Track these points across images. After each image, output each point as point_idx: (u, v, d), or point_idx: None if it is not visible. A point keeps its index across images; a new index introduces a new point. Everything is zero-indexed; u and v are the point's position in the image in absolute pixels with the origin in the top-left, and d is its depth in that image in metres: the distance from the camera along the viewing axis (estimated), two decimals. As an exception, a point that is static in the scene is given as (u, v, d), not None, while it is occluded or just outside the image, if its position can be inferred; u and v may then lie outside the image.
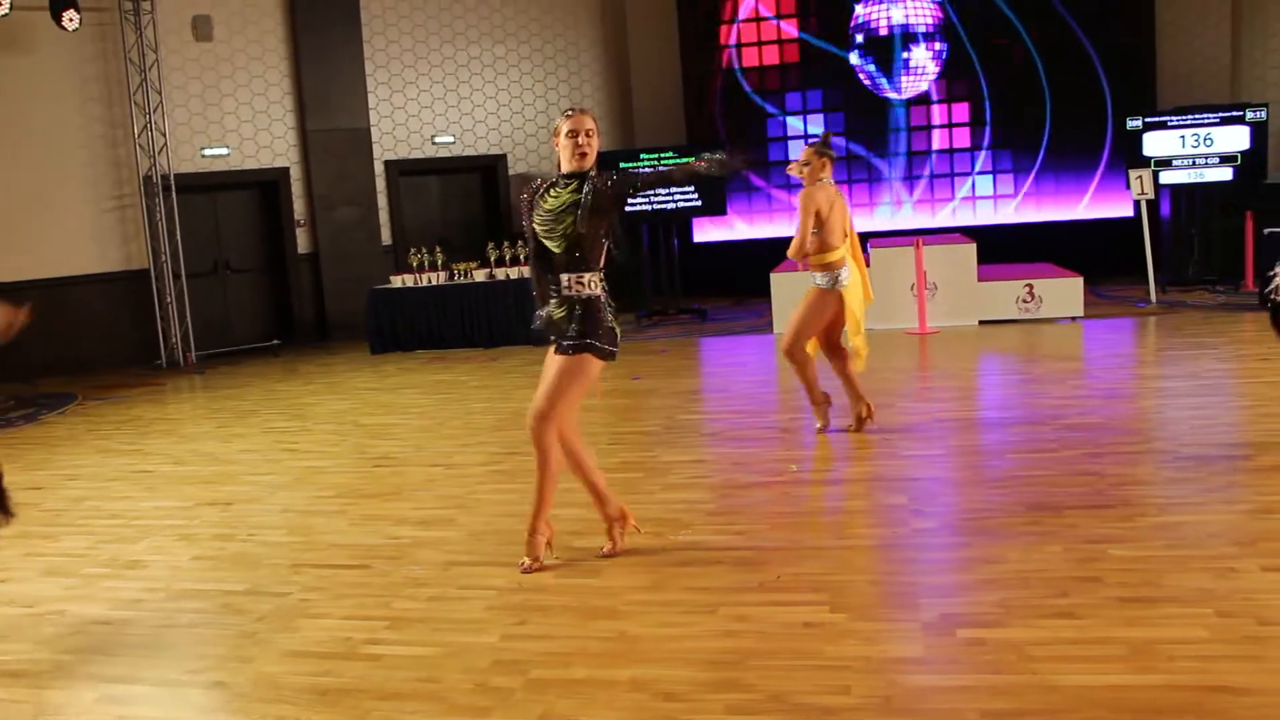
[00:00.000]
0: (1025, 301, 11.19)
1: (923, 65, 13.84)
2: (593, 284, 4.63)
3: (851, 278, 6.73)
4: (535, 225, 4.70)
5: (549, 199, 4.67)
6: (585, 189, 4.54)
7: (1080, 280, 11.19)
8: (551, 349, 4.72)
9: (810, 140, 6.62)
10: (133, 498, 6.73)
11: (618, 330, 4.74)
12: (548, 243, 4.66)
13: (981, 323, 11.23)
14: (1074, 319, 11.02)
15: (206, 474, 7.20)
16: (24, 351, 12.63)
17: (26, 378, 12.49)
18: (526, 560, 4.75)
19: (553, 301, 4.68)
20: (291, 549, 5.37)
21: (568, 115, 4.66)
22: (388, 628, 4.23)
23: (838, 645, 3.75)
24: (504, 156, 15.95)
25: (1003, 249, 13.07)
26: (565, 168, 4.66)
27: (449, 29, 15.51)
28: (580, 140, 4.60)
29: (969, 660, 3.58)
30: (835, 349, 6.94)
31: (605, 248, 4.67)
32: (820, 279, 6.71)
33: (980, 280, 11.36)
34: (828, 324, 6.81)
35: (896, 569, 4.52)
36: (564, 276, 4.61)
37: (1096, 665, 3.46)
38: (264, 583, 4.90)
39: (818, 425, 6.98)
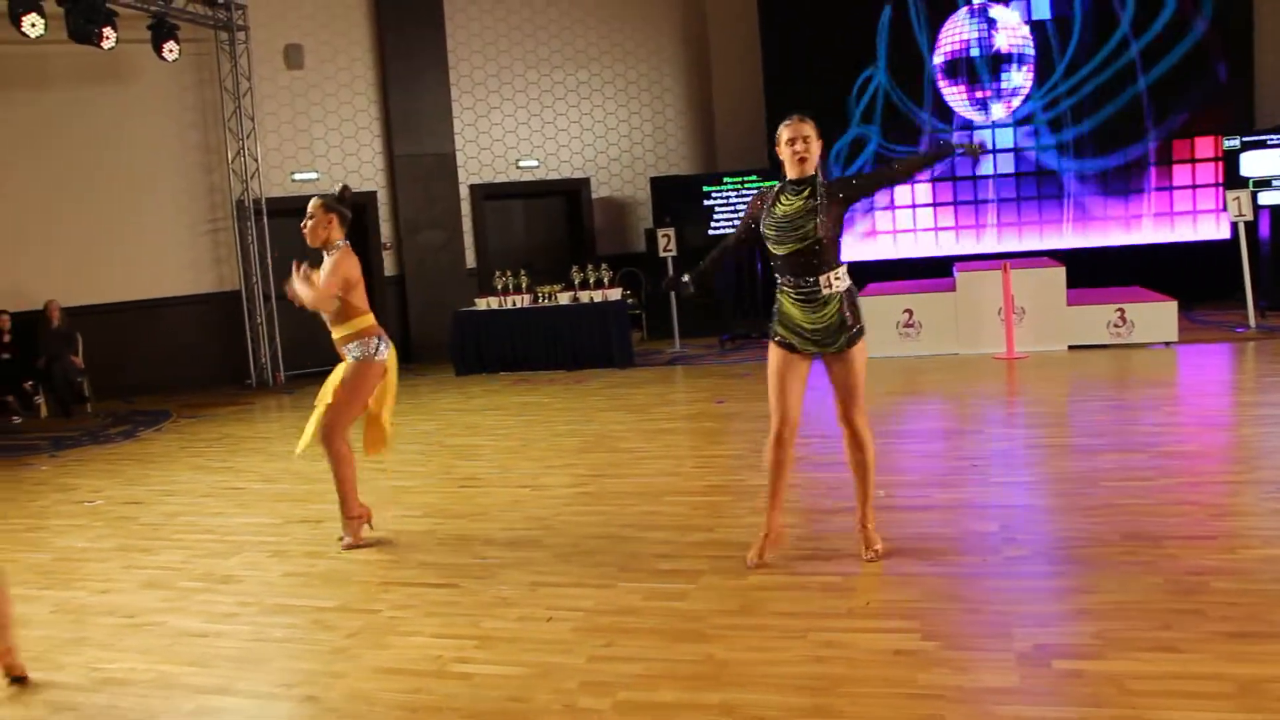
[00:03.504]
0: (1116, 326, 10.96)
1: (1015, 87, 13.72)
2: (846, 276, 4.84)
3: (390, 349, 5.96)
4: (765, 229, 4.83)
5: (780, 205, 4.79)
6: (828, 195, 4.70)
7: (1174, 304, 10.93)
8: (800, 359, 4.90)
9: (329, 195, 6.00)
10: (226, 513, 6.87)
11: None
12: (778, 248, 4.78)
13: (1071, 348, 11.02)
14: (1168, 344, 10.76)
15: (297, 491, 7.33)
16: (122, 370, 13.07)
17: (124, 395, 12.86)
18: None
19: (807, 308, 4.80)
20: (381, 567, 5.44)
21: (786, 124, 4.80)
22: (477, 647, 4.26)
23: (929, 674, 3.68)
24: (588, 180, 16.08)
25: (1094, 272, 12.84)
26: (790, 174, 4.81)
27: (533, 55, 15.71)
28: (799, 147, 4.74)
29: (1067, 693, 3.49)
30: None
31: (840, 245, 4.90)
32: (354, 350, 5.81)
33: (1070, 304, 11.15)
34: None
35: (988, 597, 4.43)
36: (823, 278, 4.75)
37: (1202, 702, 3.34)
38: (354, 599, 4.96)
39: (348, 539, 5.85)
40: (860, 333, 4.90)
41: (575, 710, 3.63)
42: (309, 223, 5.80)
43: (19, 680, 4.21)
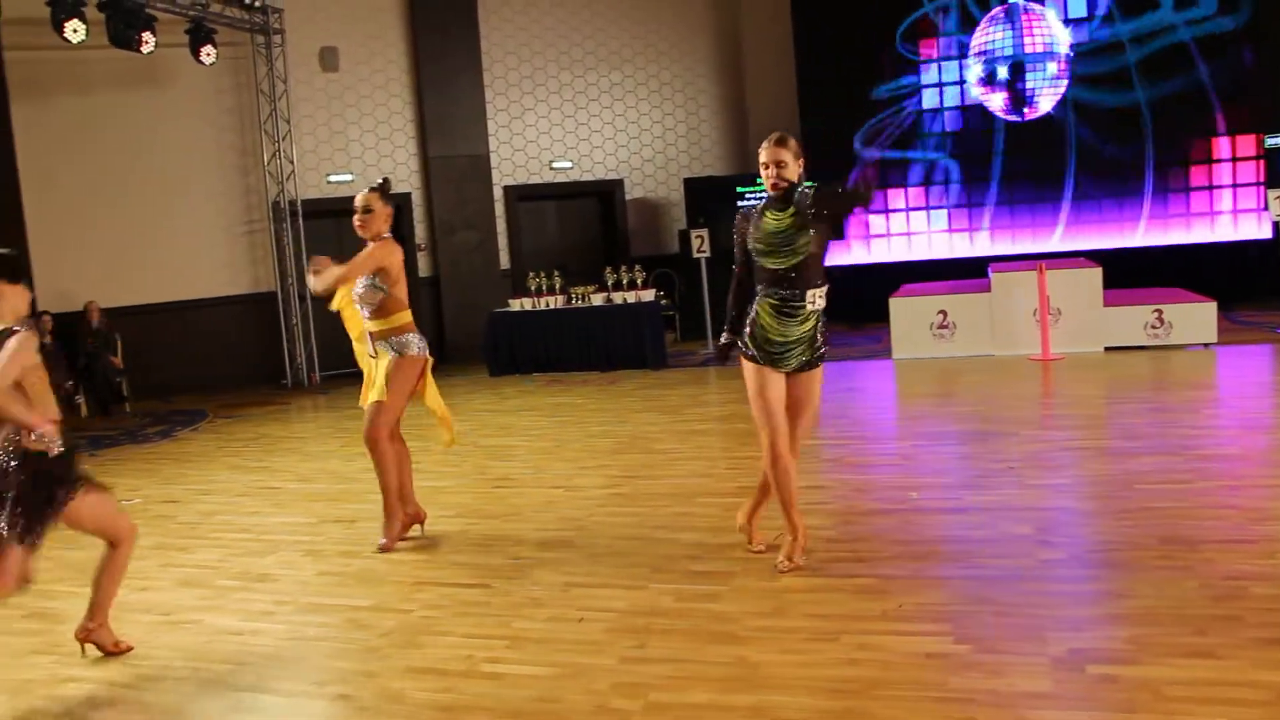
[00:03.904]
0: (1154, 327, 10.85)
1: (1045, 88, 13.65)
2: (824, 298, 4.87)
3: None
4: (753, 244, 4.84)
5: (768, 221, 4.81)
6: (805, 207, 4.69)
7: (1213, 305, 10.81)
8: (776, 370, 4.85)
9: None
10: (261, 513, 6.93)
11: None
12: (769, 261, 4.79)
13: (1108, 349, 10.91)
14: (1206, 345, 10.64)
15: (331, 491, 7.38)
16: (160, 370, 13.22)
17: (162, 395, 13.00)
18: None
19: (787, 321, 4.80)
20: (414, 566, 5.47)
21: (765, 146, 4.82)
22: (508, 647, 4.27)
23: (962, 677, 3.66)
24: (621, 181, 16.10)
25: (1132, 273, 12.72)
26: (770, 193, 4.84)
27: (566, 56, 15.74)
28: (771, 172, 4.78)
29: (1101, 698, 3.46)
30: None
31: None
32: (392, 344, 5.76)
33: (1106, 305, 11.04)
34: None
35: (1022, 601, 4.40)
36: (810, 293, 4.77)
37: (1238, 709, 3.31)
38: (387, 599, 4.99)
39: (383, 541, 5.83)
40: (824, 357, 4.97)
41: (606, 711, 3.63)
42: (366, 216, 5.74)
43: (112, 654, 4.48)
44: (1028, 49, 13.80)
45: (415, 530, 5.97)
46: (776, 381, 4.86)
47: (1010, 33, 13.92)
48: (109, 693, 4.12)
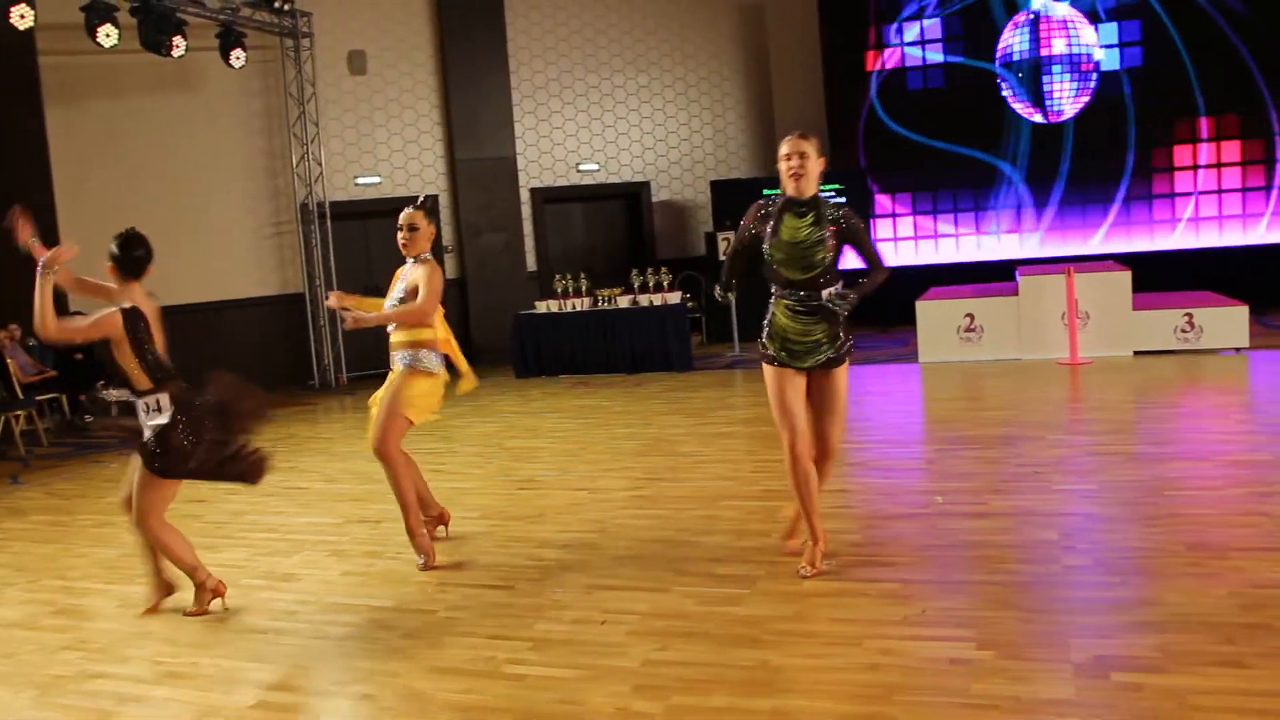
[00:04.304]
0: (1184, 331, 10.76)
1: (1070, 90, 13.59)
2: (842, 293, 4.81)
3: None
4: (769, 249, 4.76)
5: (786, 228, 4.74)
6: (831, 221, 4.66)
7: (1245, 309, 10.70)
8: (795, 373, 4.81)
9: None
10: (287, 513, 6.98)
11: None
12: (787, 271, 4.75)
13: (1137, 353, 10.83)
14: (1238, 350, 10.54)
15: (357, 492, 7.42)
16: (189, 370, 13.28)
17: (190, 396, 13.07)
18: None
19: (806, 319, 4.76)
20: (438, 568, 5.48)
21: (786, 139, 4.76)
22: (530, 649, 4.28)
23: (985, 683, 3.64)
24: (647, 184, 16.11)
25: (1162, 277, 12.62)
26: (788, 191, 4.76)
27: (593, 59, 15.76)
28: (794, 163, 4.70)
29: (1125, 706, 3.43)
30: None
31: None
32: (406, 358, 5.68)
33: (1136, 309, 10.96)
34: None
35: (1046, 607, 4.37)
36: (824, 292, 4.72)
37: None
38: (411, 600, 5.02)
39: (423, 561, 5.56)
40: (850, 350, 4.88)
41: (627, 713, 3.64)
42: (413, 235, 5.71)
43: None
44: (1045, 52, 13.75)
45: (440, 531, 5.99)
46: (796, 383, 4.83)
47: (1027, 36, 13.90)
48: (136, 690, 4.16)
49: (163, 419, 4.83)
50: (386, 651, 4.38)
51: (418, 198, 6.05)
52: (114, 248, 5.03)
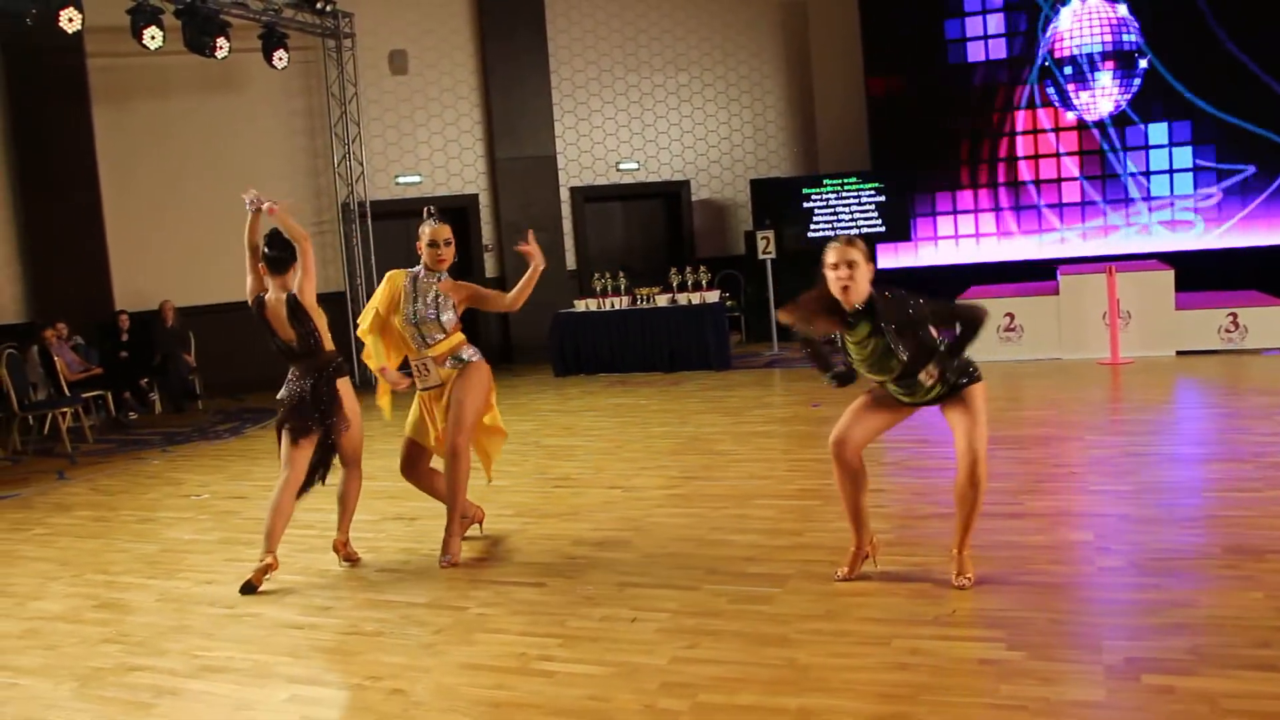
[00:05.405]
0: (1228, 331, 10.62)
1: (1110, 86, 13.43)
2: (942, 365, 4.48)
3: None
4: (850, 349, 4.58)
5: (851, 340, 4.53)
6: (889, 323, 4.39)
7: (1290, 309, 10.56)
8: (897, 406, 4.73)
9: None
10: (324, 510, 7.01)
11: None
12: (873, 375, 4.61)
13: (1179, 353, 10.70)
14: (1283, 350, 10.40)
15: (393, 490, 7.46)
16: (231, 368, 13.49)
17: (233, 393, 13.27)
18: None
19: (911, 397, 4.64)
20: (470, 565, 5.53)
21: (833, 246, 4.44)
22: (560, 645, 4.31)
23: (1014, 684, 3.62)
24: (687, 183, 16.12)
25: (1205, 276, 12.46)
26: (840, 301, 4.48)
27: (633, 58, 15.79)
28: (842, 273, 4.38)
29: (1156, 709, 3.40)
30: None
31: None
32: (463, 354, 5.83)
33: (1178, 309, 10.83)
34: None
35: (1079, 608, 4.34)
36: (920, 375, 4.45)
37: (1298, 720, 3.24)
38: (444, 596, 5.06)
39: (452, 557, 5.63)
40: (971, 379, 4.56)
41: (654, 711, 3.65)
42: (448, 249, 5.88)
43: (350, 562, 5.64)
44: (1081, 49, 13.60)
45: (474, 530, 6.03)
46: (890, 404, 4.71)
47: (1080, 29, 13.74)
48: (173, 683, 4.22)
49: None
50: (418, 647, 4.42)
51: (427, 208, 6.15)
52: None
